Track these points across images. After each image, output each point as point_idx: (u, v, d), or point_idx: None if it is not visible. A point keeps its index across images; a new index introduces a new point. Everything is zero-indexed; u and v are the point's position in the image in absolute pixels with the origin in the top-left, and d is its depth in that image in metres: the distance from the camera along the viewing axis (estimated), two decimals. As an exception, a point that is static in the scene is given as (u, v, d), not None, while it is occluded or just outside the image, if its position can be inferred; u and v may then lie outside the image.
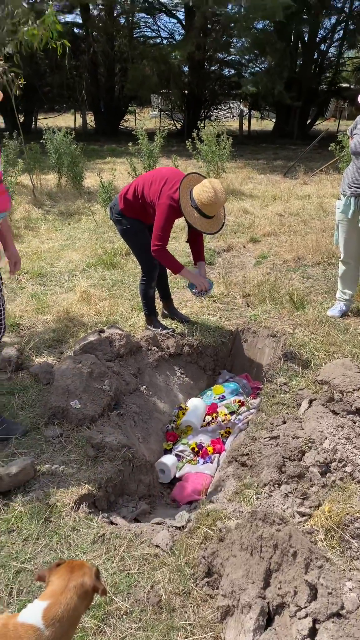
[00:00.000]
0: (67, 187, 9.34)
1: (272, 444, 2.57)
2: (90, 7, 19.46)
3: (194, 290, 3.60)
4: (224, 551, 1.91)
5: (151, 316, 3.92)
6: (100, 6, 19.26)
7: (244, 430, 3.10)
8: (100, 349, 3.34)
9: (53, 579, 1.34)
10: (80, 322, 4.05)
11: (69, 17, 21.33)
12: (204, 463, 3.05)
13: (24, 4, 8.30)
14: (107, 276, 5.10)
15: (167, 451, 3.23)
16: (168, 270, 3.95)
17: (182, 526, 2.27)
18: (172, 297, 4.19)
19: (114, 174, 8.37)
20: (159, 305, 4.15)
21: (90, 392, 2.94)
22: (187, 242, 3.82)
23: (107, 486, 2.40)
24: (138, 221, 3.59)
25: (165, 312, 4.17)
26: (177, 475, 3.06)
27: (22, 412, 2.92)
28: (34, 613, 1.25)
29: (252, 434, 2.77)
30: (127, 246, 5.27)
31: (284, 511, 2.20)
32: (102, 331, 3.52)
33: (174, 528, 2.27)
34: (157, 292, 3.99)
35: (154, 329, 3.85)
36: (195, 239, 3.75)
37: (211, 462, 3.04)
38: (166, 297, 4.13)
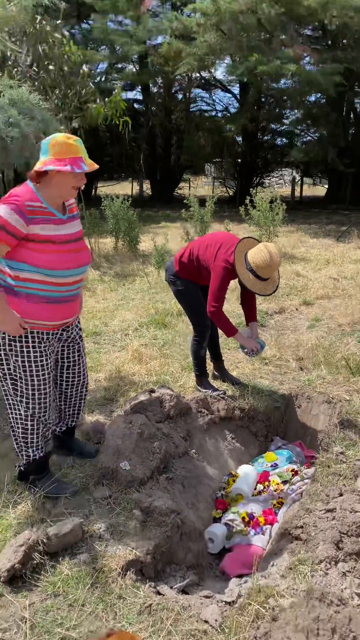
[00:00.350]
0: (123, 250, 9.70)
1: (328, 517, 2.44)
2: (150, 85, 20.93)
3: (245, 350, 3.62)
4: (277, 632, 1.79)
5: (202, 376, 3.91)
6: (159, 84, 20.66)
7: (297, 501, 2.97)
8: (151, 409, 3.34)
9: None
10: (131, 381, 4.09)
11: (130, 94, 22.96)
12: (255, 534, 2.92)
13: (91, 84, 9.03)
14: (158, 335, 5.16)
15: (217, 519, 3.12)
16: (219, 332, 3.98)
17: (232, 601, 2.16)
18: (223, 358, 4.18)
19: (167, 238, 8.65)
20: (209, 366, 4.14)
21: (139, 454, 2.92)
22: (240, 303, 3.87)
23: (155, 553, 2.33)
24: (192, 283, 3.68)
25: (216, 373, 4.15)
26: (226, 546, 2.93)
27: (73, 470, 2.92)
28: None
29: (306, 506, 2.65)
30: (178, 306, 5.36)
31: (342, 591, 2.05)
32: (152, 391, 3.53)
33: (224, 603, 2.16)
34: (207, 352, 4.01)
35: (204, 390, 3.83)
36: (248, 300, 3.81)
37: (262, 534, 2.91)
38: (217, 358, 4.12)
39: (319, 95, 17.23)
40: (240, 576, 2.60)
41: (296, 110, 19.23)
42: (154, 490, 2.75)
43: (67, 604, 2.04)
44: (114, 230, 9.78)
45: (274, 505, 3.13)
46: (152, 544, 2.34)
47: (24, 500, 2.64)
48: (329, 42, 16.28)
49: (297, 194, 22.64)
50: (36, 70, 8.21)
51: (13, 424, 2.67)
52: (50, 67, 8.44)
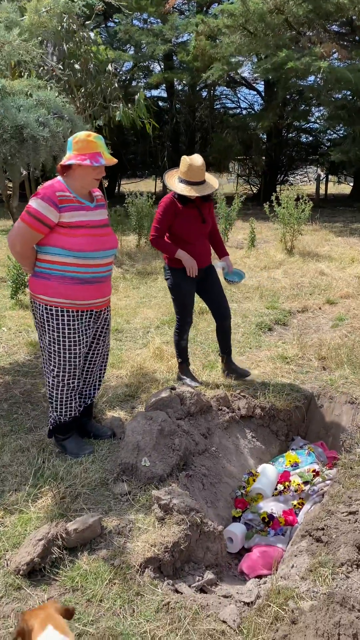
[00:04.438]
0: (145, 248, 9.71)
1: (350, 520, 2.40)
2: (175, 82, 20.90)
3: (227, 278, 4.04)
4: (296, 635, 1.76)
5: (183, 364, 4.05)
6: (184, 82, 20.61)
7: (318, 503, 2.92)
8: (171, 406, 3.33)
9: (31, 621, 1.47)
10: (153, 378, 4.08)
11: (155, 92, 22.96)
12: (274, 535, 2.88)
13: (115, 84, 9.06)
14: (180, 334, 5.14)
15: (236, 519, 3.09)
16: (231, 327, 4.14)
17: (251, 602, 2.13)
18: (231, 353, 4.17)
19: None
20: (208, 359, 4.11)
21: (159, 450, 2.91)
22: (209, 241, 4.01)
23: (173, 551, 2.31)
24: (181, 274, 3.77)
25: (224, 368, 4.13)
26: (245, 546, 2.91)
27: (93, 465, 2.93)
28: (53, 638, 1.42)
29: (328, 507, 2.60)
30: (199, 305, 5.33)
31: (364, 596, 2.01)
32: (173, 388, 3.52)
33: (242, 603, 2.13)
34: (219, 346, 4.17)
35: (183, 377, 3.97)
36: (212, 236, 3.96)
37: (282, 535, 2.87)
38: (223, 352, 4.13)
39: (346, 92, 16.94)
40: (259, 577, 2.57)
41: (322, 108, 18.96)
42: (174, 487, 2.74)
43: (85, 599, 2.04)
44: (137, 228, 9.79)
45: (295, 505, 3.09)
46: (170, 542, 2.32)
47: (44, 495, 2.66)
48: (357, 37, 16.00)
49: (321, 191, 22.36)
50: (62, 68, 8.26)
51: (47, 390, 3.01)
52: (76, 66, 8.48)
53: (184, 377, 4.00)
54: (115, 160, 2.76)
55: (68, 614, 1.55)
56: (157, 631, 1.91)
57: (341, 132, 19.62)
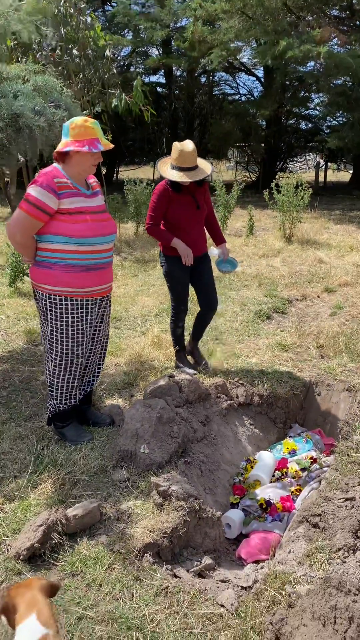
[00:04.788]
0: (144, 236, 9.67)
1: (346, 506, 2.42)
2: (174, 68, 20.68)
3: (220, 268, 4.01)
4: (293, 619, 1.79)
5: (180, 352, 4.08)
6: (182, 67, 20.39)
7: (316, 489, 2.95)
8: (170, 394, 3.34)
9: (16, 600, 1.48)
10: (151, 366, 4.09)
11: (153, 78, 22.73)
12: (272, 521, 2.91)
13: (114, 70, 8.97)
14: (179, 322, 5.14)
15: (234, 505, 3.12)
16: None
17: (249, 586, 2.16)
18: (200, 341, 4.26)
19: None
20: (206, 347, 4.12)
21: (158, 438, 2.93)
22: (205, 227, 3.98)
23: (172, 536, 2.34)
24: (176, 262, 3.77)
25: (190, 350, 4.20)
26: (243, 532, 2.94)
27: (92, 452, 2.95)
28: (33, 628, 1.40)
29: (325, 494, 2.63)
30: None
31: (360, 581, 2.04)
32: (172, 376, 3.53)
33: (240, 588, 2.16)
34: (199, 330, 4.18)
35: (180, 365, 3.99)
36: (209, 223, 3.95)
37: (280, 521, 2.90)
38: (194, 338, 4.19)
39: (346, 78, 16.76)
40: (256, 562, 2.60)
41: (321, 94, 18.79)
42: (172, 474, 2.76)
43: (85, 584, 2.07)
44: (135, 215, 9.74)
45: (292, 492, 3.12)
46: (169, 528, 2.35)
47: (43, 481, 2.68)
48: (357, 22, 15.81)
49: (320, 179, 22.25)
50: (59, 54, 8.17)
51: (47, 378, 3.02)
52: (74, 51, 8.39)
53: (181, 364, 4.02)
54: (111, 145, 2.74)
55: (53, 590, 1.55)
56: (156, 615, 1.94)
57: (340, 119, 19.46)
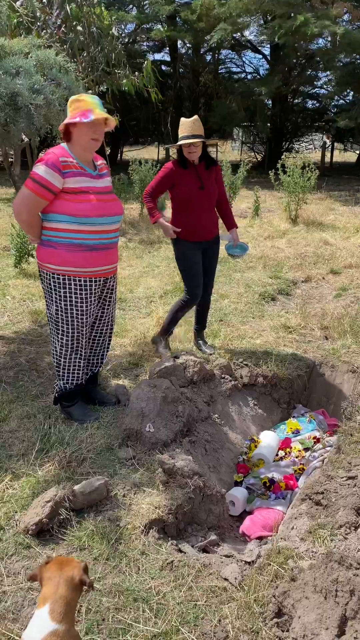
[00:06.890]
0: (149, 217, 9.63)
1: (349, 485, 2.46)
2: (179, 45, 20.31)
3: (229, 252, 4.02)
4: (295, 592, 1.84)
5: (166, 334, 4.08)
6: (188, 44, 20.04)
7: (319, 468, 2.99)
8: (175, 374, 3.37)
9: (45, 577, 1.45)
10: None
11: (158, 56, 22.37)
12: (275, 498, 2.97)
13: (121, 50, 8.83)
14: (184, 303, 5.16)
15: (238, 483, 3.17)
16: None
17: (252, 561, 2.21)
18: (205, 329, 4.23)
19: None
20: (211, 328, 4.14)
21: (163, 417, 2.97)
22: (218, 212, 3.99)
23: (177, 513, 2.39)
24: (188, 244, 3.79)
25: (197, 340, 4.16)
26: (247, 509, 2.99)
27: (98, 431, 2.99)
28: (44, 622, 1.36)
29: (328, 472, 2.67)
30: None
31: (361, 556, 2.08)
32: (177, 357, 3.56)
33: (243, 562, 2.21)
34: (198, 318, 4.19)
35: (159, 341, 4.03)
36: (221, 208, 3.95)
37: (283, 498, 2.95)
38: (199, 324, 4.17)
39: (356, 56, 16.43)
40: (260, 538, 2.66)
41: (329, 73, 18.46)
42: (177, 452, 2.81)
43: (92, 558, 2.12)
44: (140, 196, 9.69)
45: (295, 471, 3.16)
46: (174, 504, 2.40)
47: (50, 459, 2.72)
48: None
49: (327, 159, 22.00)
50: (65, 31, 8.04)
51: (53, 358, 3.04)
52: (79, 27, 8.25)
53: (160, 341, 4.03)
54: (106, 115, 2.70)
55: (81, 585, 1.47)
56: (162, 587, 1.99)
57: (349, 98, 19.16)
